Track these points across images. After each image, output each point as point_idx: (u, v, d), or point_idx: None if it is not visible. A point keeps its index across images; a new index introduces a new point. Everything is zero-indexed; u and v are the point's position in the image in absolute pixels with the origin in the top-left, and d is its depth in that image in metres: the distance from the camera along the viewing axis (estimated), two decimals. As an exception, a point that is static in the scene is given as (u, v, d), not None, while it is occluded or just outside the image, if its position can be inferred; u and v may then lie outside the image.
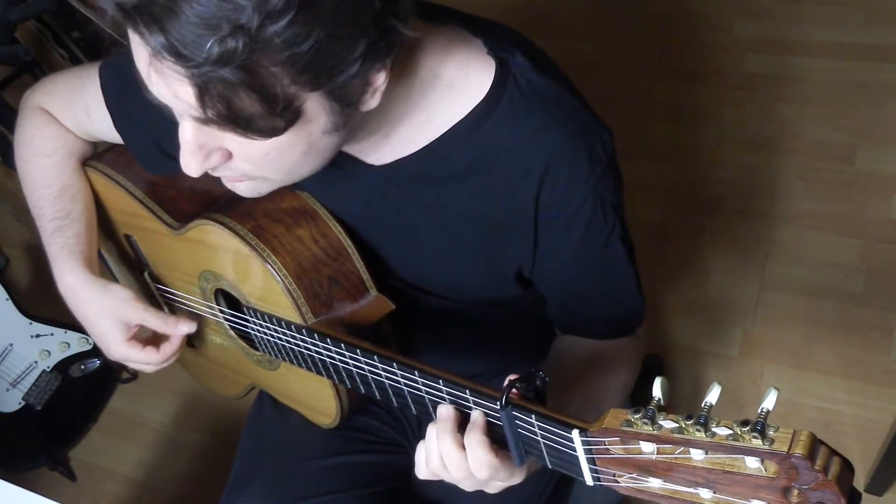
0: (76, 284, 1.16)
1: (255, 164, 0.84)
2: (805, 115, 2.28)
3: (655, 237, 2.12)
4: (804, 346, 1.89)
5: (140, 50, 0.74)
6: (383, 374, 0.92)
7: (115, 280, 1.39)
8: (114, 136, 1.17)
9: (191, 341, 1.31)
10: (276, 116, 0.75)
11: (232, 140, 0.80)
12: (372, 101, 0.82)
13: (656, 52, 2.54)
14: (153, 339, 1.18)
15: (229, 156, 0.83)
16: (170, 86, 0.73)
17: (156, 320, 1.15)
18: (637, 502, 1.73)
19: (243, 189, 0.91)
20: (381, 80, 0.80)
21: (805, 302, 1.95)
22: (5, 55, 1.88)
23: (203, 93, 0.71)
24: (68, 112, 1.21)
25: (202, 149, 0.82)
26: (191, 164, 0.83)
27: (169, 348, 1.16)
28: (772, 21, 2.51)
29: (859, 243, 2.01)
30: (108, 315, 1.15)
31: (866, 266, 1.97)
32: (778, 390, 0.57)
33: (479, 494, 1.27)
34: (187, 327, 1.16)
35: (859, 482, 1.67)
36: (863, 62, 2.35)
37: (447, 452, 0.85)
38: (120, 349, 1.16)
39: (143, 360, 1.16)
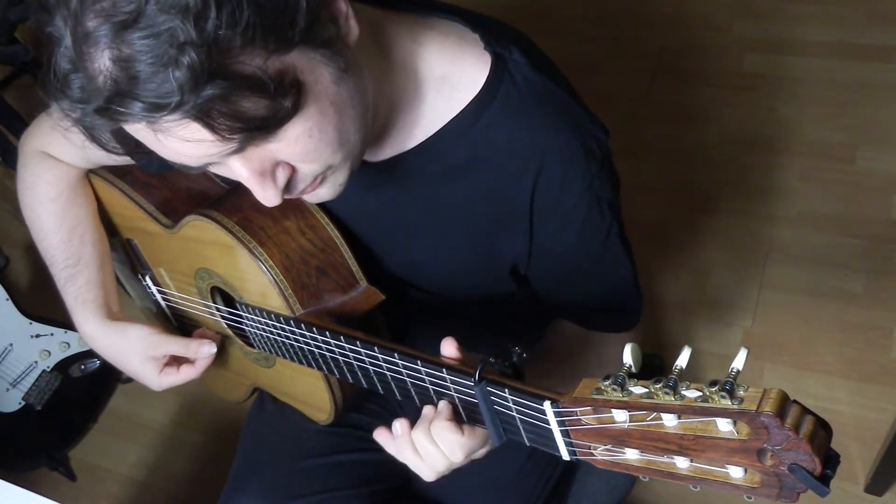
0: (94, 333, 1.19)
1: (311, 154, 0.81)
2: (805, 115, 2.27)
3: (655, 237, 2.11)
4: (804, 346, 1.88)
5: (141, 132, 0.73)
6: (367, 359, 0.92)
7: (121, 285, 1.39)
8: (116, 158, 1.17)
9: None
10: (282, 97, 0.73)
11: (277, 149, 0.78)
12: (353, 31, 0.79)
13: (656, 52, 2.54)
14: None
15: (290, 167, 0.82)
16: (183, 137, 0.72)
17: (177, 347, 1.17)
18: (637, 502, 1.73)
19: (325, 192, 0.88)
20: (342, 5, 0.77)
21: (805, 302, 1.94)
22: (5, 55, 1.89)
23: (209, 121, 0.70)
24: (66, 148, 1.20)
25: (263, 174, 0.80)
26: (267, 194, 0.82)
27: (201, 362, 1.18)
28: (772, 21, 2.51)
29: (859, 243, 2.00)
30: (133, 356, 1.18)
31: (866, 266, 1.96)
32: (748, 349, 0.56)
33: (479, 493, 1.27)
34: (208, 348, 1.17)
35: (859, 482, 1.66)
36: (863, 62, 2.34)
37: (421, 445, 0.88)
38: (157, 382, 1.18)
39: (183, 380, 1.18)
